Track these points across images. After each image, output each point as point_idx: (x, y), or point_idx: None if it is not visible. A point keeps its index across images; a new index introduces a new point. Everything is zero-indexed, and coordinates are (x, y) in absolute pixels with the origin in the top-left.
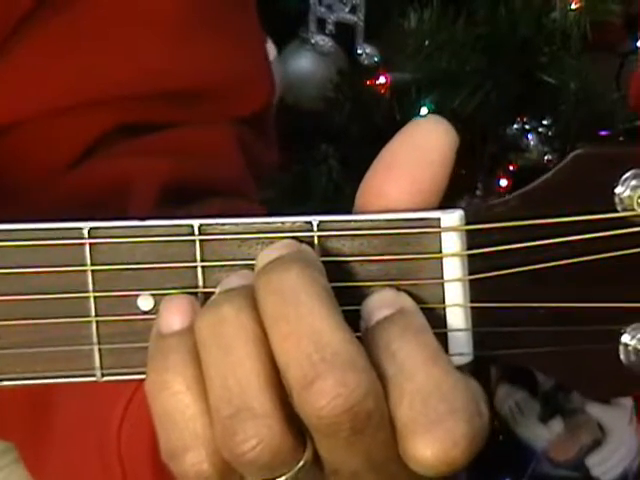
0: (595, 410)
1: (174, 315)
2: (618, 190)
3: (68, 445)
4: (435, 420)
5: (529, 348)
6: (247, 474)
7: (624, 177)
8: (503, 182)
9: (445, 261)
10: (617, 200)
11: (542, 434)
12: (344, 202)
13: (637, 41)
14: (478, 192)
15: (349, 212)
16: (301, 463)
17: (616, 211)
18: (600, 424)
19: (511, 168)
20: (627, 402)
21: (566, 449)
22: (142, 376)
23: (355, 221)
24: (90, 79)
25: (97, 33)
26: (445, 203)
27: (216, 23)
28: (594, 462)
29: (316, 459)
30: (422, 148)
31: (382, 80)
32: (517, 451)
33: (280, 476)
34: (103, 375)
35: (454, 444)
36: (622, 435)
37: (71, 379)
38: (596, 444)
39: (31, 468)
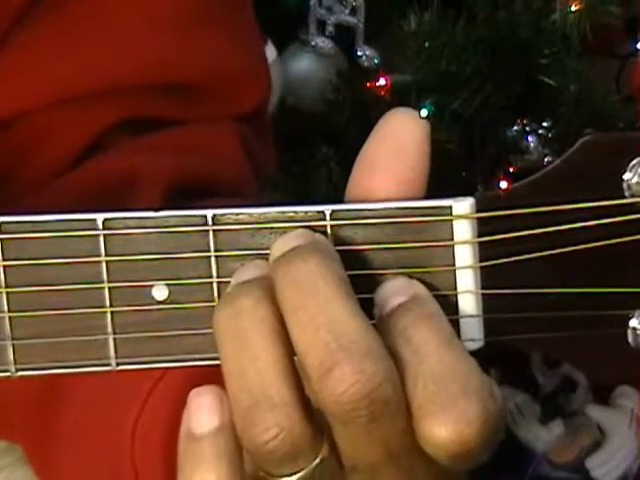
0: (595, 412)
1: (204, 415)
2: (626, 176)
3: (77, 447)
4: (448, 400)
5: (539, 333)
6: (268, 467)
7: (632, 163)
8: (503, 184)
9: (457, 248)
10: (625, 186)
11: (542, 436)
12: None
13: (637, 43)
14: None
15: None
16: (319, 458)
17: (624, 197)
18: (600, 426)
19: (511, 170)
20: (627, 404)
21: (566, 451)
22: (156, 365)
23: (367, 210)
24: (91, 71)
25: (96, 26)
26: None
27: (214, 18)
28: (594, 464)
29: (334, 455)
30: (398, 141)
31: (382, 82)
32: (517, 453)
33: (299, 471)
34: (118, 364)
35: (467, 424)
36: (622, 437)
37: (86, 369)
38: (596, 446)
39: (38, 470)
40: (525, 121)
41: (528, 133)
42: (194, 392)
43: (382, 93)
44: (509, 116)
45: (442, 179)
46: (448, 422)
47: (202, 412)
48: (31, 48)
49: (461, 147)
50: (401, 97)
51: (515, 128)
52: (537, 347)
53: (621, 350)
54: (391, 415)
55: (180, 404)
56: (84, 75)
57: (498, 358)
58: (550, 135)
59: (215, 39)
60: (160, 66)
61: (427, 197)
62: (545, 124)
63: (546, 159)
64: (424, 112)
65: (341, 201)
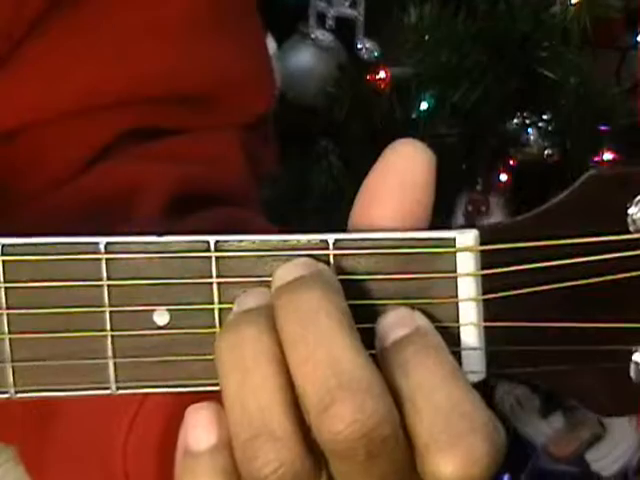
0: None
1: (202, 432)
2: (631, 211)
3: (71, 455)
4: (456, 437)
5: (541, 366)
6: None
7: (637, 198)
8: (503, 177)
9: (460, 280)
10: (630, 221)
11: (542, 429)
12: (343, 198)
13: (637, 36)
14: (478, 187)
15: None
16: None
17: (629, 232)
18: (600, 419)
19: (511, 163)
20: None
21: (566, 444)
22: (156, 389)
23: (371, 239)
24: (98, 84)
25: (103, 39)
26: (446, 198)
27: (220, 27)
28: (594, 457)
29: None
30: (404, 173)
31: (382, 75)
32: (517, 446)
33: None
34: (118, 388)
35: (474, 462)
36: (622, 430)
37: (86, 392)
38: (596, 439)
39: (32, 474)
40: (525, 114)
41: (528, 126)
42: (191, 408)
43: (382, 86)
44: (509, 109)
45: (442, 172)
46: (456, 459)
47: (199, 428)
48: (37, 62)
49: (461, 140)
50: (401, 90)
51: (515, 121)
52: (539, 380)
53: (623, 384)
54: (388, 453)
55: (173, 411)
56: (91, 88)
57: None
58: (550, 128)
59: (222, 48)
60: (167, 77)
61: (431, 226)
62: (545, 117)
63: (546, 152)
64: (424, 105)
65: (341, 197)
